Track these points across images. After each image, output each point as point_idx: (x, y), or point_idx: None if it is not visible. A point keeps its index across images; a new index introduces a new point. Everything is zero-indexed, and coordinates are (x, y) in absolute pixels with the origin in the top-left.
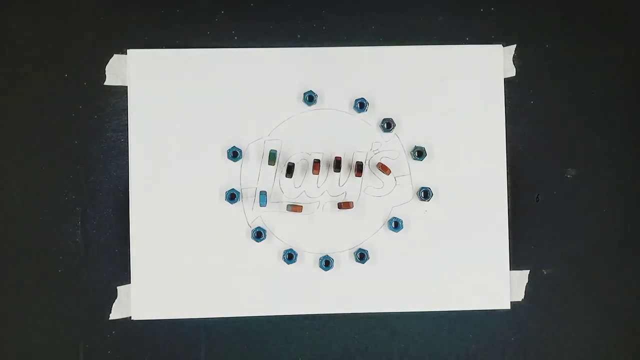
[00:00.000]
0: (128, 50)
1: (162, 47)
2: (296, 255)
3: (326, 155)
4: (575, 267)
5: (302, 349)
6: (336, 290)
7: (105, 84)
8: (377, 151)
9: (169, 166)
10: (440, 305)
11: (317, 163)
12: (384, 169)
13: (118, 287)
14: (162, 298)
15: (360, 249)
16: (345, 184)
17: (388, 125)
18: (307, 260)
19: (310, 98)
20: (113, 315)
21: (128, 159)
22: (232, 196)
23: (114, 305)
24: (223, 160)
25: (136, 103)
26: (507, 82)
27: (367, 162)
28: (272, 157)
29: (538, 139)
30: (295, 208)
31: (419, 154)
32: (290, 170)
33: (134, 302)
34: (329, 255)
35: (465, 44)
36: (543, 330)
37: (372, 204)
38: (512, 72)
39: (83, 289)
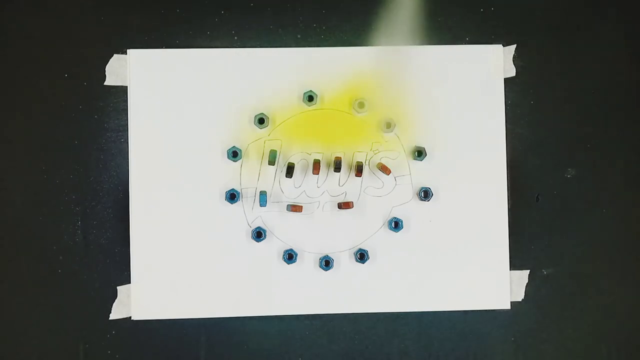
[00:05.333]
0: (128, 50)
1: (162, 47)
2: (296, 255)
3: (326, 155)
4: (575, 267)
5: (302, 349)
6: (336, 290)
7: (105, 84)
8: (377, 151)
9: (169, 166)
10: (440, 305)
11: (317, 163)
12: (384, 169)
13: (118, 287)
14: (162, 298)
15: (360, 249)
16: (345, 184)
17: (388, 125)
18: (307, 260)
19: (310, 98)
20: (113, 315)
21: (128, 159)
22: (232, 196)
23: (114, 305)
24: (223, 160)
25: (136, 103)
26: (507, 82)
27: (367, 162)
28: (272, 157)
29: (538, 138)
30: (295, 208)
31: (419, 154)
32: (290, 170)
33: (134, 302)
34: (329, 255)
35: (465, 44)
36: (543, 330)
37: (372, 204)
38: (512, 72)
39: (83, 289)
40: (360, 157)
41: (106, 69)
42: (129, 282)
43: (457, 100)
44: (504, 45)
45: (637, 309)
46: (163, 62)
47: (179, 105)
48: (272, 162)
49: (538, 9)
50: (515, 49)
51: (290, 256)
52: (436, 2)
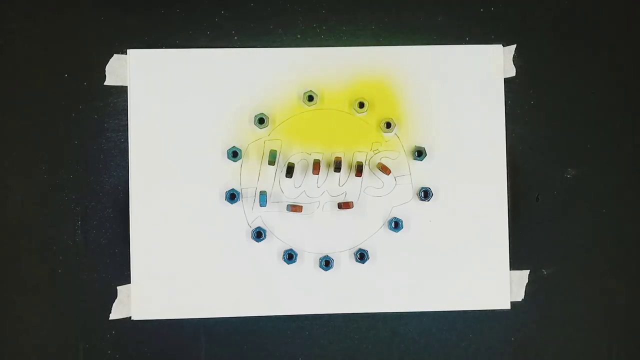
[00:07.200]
0: (128, 50)
1: (162, 47)
2: (296, 255)
3: (326, 155)
4: (575, 267)
5: (302, 349)
6: (336, 290)
7: (105, 84)
8: (377, 151)
9: (169, 166)
10: (440, 305)
11: (317, 163)
12: (384, 169)
13: (118, 287)
14: (162, 298)
15: (360, 249)
16: (345, 184)
17: (388, 125)
18: (307, 260)
19: (310, 98)
20: (113, 315)
21: (128, 159)
22: (232, 196)
23: (114, 305)
24: (223, 160)
25: (136, 103)
26: (507, 82)
27: (367, 162)
28: (272, 157)
29: (538, 138)
30: (295, 208)
31: (419, 154)
32: (290, 170)
33: (134, 302)
34: (329, 255)
35: (465, 44)
36: (543, 330)
37: (372, 204)
38: (512, 72)
39: (83, 289)
40: (360, 157)
41: (106, 69)
42: (129, 282)
43: (457, 100)
44: (504, 45)
45: (637, 308)
46: (163, 62)
47: (179, 105)
48: (272, 162)
49: (538, 9)
50: (515, 49)
51: (290, 256)
52: (436, 2)
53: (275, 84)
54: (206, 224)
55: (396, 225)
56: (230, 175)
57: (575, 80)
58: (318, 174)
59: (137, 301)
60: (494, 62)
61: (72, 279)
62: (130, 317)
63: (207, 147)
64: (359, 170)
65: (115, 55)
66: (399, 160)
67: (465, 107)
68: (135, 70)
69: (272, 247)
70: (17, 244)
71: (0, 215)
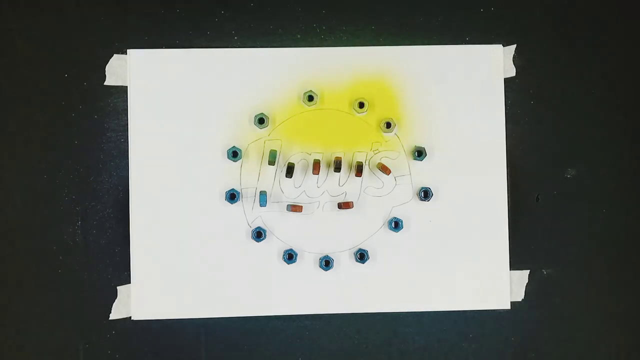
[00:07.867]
0: (128, 50)
1: (162, 47)
2: (296, 255)
3: (326, 155)
4: (575, 267)
5: (302, 349)
6: (336, 290)
7: (105, 84)
8: (377, 151)
9: (169, 166)
10: (440, 305)
11: (317, 163)
12: (384, 169)
13: (118, 287)
14: (162, 298)
15: (360, 249)
16: (345, 184)
17: (388, 125)
18: (307, 260)
19: (310, 98)
20: (113, 315)
21: (128, 159)
22: (232, 196)
23: (114, 305)
24: (223, 160)
25: (136, 103)
26: (507, 82)
27: (367, 162)
28: (272, 157)
29: (538, 139)
30: (295, 208)
31: (419, 154)
32: (290, 170)
33: (134, 302)
34: (329, 255)
35: (465, 44)
36: (543, 330)
37: (372, 204)
38: (512, 72)
39: (83, 289)
40: (360, 157)
41: (106, 69)
42: (129, 282)
43: (457, 100)
44: (504, 45)
45: (637, 309)
46: (163, 62)
47: (178, 105)
48: (272, 162)
49: (538, 9)
50: (515, 49)
51: (290, 256)
52: (436, 2)
53: (275, 84)
54: (206, 224)
55: (396, 225)
56: (230, 175)
57: (575, 80)
58: (318, 174)
59: (137, 301)
60: (494, 62)
61: (72, 279)
62: (130, 317)
63: (207, 147)
64: (359, 170)
65: (115, 55)
66: (399, 160)
67: (465, 107)
68: (135, 70)
69: (272, 247)
70: (17, 244)
71: (0, 215)
